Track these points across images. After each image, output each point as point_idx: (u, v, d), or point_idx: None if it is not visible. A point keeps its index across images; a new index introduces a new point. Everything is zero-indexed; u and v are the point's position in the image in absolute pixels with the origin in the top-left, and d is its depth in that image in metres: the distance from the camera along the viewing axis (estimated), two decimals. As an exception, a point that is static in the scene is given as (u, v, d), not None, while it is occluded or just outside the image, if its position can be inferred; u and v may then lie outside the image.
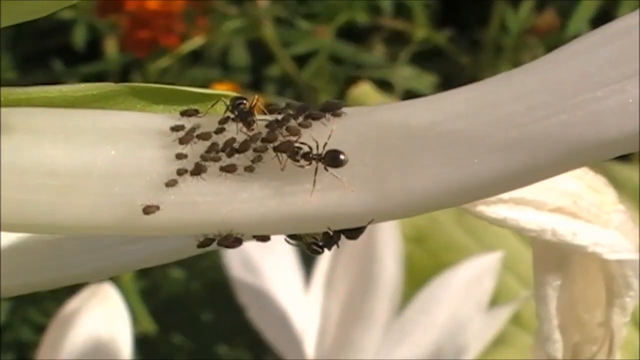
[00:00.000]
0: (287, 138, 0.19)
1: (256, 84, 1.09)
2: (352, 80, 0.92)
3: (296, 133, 0.19)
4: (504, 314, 0.49)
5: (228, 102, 0.20)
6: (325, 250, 0.20)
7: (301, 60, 1.01)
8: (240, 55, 1.04)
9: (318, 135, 0.19)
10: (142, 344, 0.96)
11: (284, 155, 0.19)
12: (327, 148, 0.19)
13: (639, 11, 0.18)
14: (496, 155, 0.18)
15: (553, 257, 0.27)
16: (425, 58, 1.03)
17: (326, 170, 0.19)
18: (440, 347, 0.47)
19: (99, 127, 0.19)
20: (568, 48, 0.19)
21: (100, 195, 0.19)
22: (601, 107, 0.18)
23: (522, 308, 0.52)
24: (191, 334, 0.99)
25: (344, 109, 0.19)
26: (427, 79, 1.03)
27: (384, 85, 0.96)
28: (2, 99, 0.20)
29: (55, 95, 0.20)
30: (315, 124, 0.19)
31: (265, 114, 0.20)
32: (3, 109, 0.19)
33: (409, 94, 0.91)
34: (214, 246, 0.19)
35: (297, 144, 0.19)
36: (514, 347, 0.55)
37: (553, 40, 0.98)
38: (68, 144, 0.19)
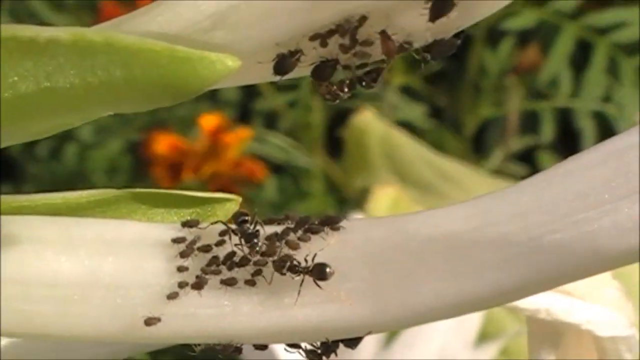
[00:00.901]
0: (287, 252, 0.19)
1: (244, 117, 1.09)
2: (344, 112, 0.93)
3: (295, 247, 0.19)
4: (492, 348, 0.49)
5: (228, 214, 0.20)
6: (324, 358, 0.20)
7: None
8: (229, 90, 1.05)
9: (317, 248, 0.19)
10: None
11: (282, 270, 0.19)
12: (319, 261, 0.19)
13: (631, 131, 0.19)
14: (493, 272, 0.19)
15: (547, 333, 0.27)
16: (404, 100, 1.03)
17: (315, 283, 0.19)
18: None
19: (103, 238, 0.19)
20: (562, 167, 0.19)
21: (103, 307, 0.19)
22: (595, 227, 0.18)
23: (511, 342, 0.52)
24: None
25: (343, 223, 0.19)
26: (418, 110, 1.03)
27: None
28: (4, 206, 0.20)
29: (58, 202, 0.20)
30: (314, 238, 0.19)
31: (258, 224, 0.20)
32: (6, 217, 0.20)
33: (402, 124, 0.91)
34: None
35: (295, 259, 0.19)
36: None
37: (534, 80, 0.99)
38: (72, 256, 0.19)
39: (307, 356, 0.20)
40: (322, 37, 0.18)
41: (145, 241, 0.19)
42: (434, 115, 1.03)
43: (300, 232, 0.19)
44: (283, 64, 0.18)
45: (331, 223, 0.19)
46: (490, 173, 0.90)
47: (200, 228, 0.20)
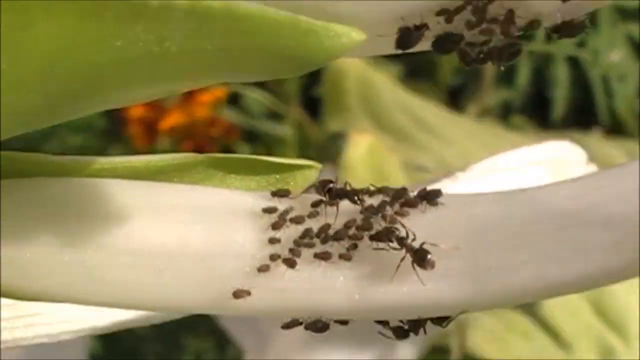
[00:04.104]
0: (384, 226, 0.18)
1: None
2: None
3: (392, 222, 0.18)
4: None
5: (308, 181, 0.20)
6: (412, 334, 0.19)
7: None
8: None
9: (414, 224, 0.19)
10: (106, 335, 0.95)
11: (379, 244, 0.18)
12: (421, 241, 0.18)
13: None
14: (601, 254, 0.18)
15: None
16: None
17: (413, 267, 0.18)
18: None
19: (189, 205, 0.19)
20: None
21: (190, 277, 0.18)
22: None
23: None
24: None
25: (442, 199, 0.19)
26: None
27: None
28: (85, 169, 0.19)
29: (139, 165, 0.19)
30: (412, 212, 0.19)
31: (355, 195, 0.19)
32: (87, 180, 0.19)
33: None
34: None
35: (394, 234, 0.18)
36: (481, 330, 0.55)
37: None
38: (159, 223, 0.18)
39: (394, 333, 0.19)
40: (449, 13, 0.17)
41: (235, 210, 0.19)
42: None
43: (397, 206, 0.19)
44: (407, 38, 0.18)
45: (429, 198, 0.19)
46: (470, 119, 0.89)
47: (291, 198, 0.19)
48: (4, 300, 0.23)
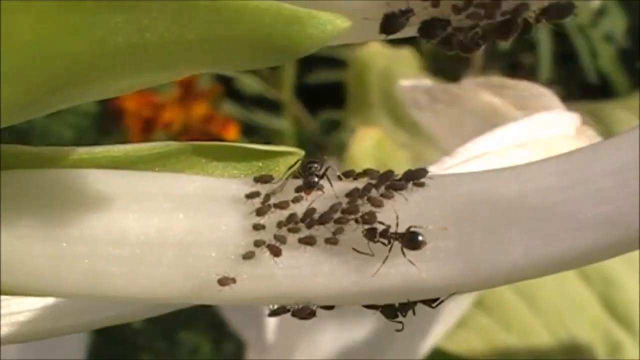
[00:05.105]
0: (369, 210, 0.18)
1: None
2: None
3: (378, 204, 0.18)
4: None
5: (298, 165, 0.19)
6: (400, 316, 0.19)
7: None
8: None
9: (399, 206, 0.18)
10: (101, 329, 0.95)
11: (366, 228, 0.18)
12: (408, 223, 0.18)
13: None
14: (587, 231, 0.18)
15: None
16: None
17: (402, 252, 0.18)
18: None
19: (170, 192, 0.18)
20: None
21: (174, 266, 0.18)
22: None
23: (485, 292, 0.52)
24: (150, 317, 0.98)
25: (427, 179, 0.18)
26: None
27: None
28: (63, 159, 0.19)
29: (118, 154, 0.19)
30: (397, 195, 0.18)
31: (339, 179, 0.19)
32: (66, 171, 0.18)
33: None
34: None
35: (379, 220, 0.18)
36: (474, 329, 0.55)
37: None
38: (140, 212, 0.18)
39: (383, 312, 0.19)
40: None
41: (217, 197, 0.18)
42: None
43: (382, 189, 0.18)
44: (391, 22, 0.17)
45: (414, 178, 0.18)
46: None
47: (274, 183, 0.19)
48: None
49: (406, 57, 0.72)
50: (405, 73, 0.69)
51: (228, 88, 1.01)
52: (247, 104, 1.02)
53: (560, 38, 0.99)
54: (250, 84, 1.00)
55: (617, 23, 1.01)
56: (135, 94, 0.94)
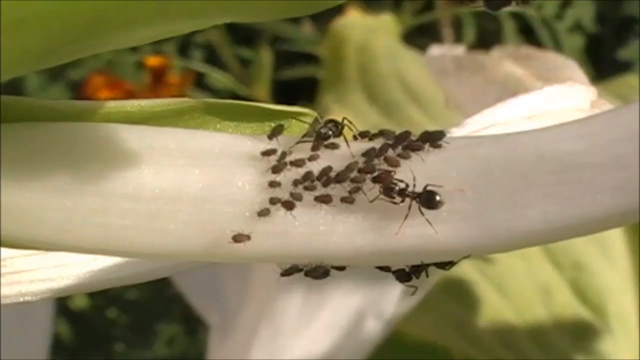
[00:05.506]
0: (386, 169, 0.18)
1: (182, 51, 1.07)
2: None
3: (395, 164, 0.18)
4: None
5: (314, 123, 0.19)
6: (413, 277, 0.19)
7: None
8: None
9: (416, 167, 0.18)
10: (77, 319, 0.94)
11: (382, 187, 0.18)
12: (425, 183, 0.18)
13: None
14: (606, 196, 0.18)
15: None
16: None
17: (420, 210, 0.18)
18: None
19: (186, 148, 0.18)
20: None
21: (188, 222, 0.18)
22: None
23: (448, 274, 0.51)
24: (125, 308, 0.98)
25: (444, 141, 0.18)
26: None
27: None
28: (78, 114, 0.18)
29: (133, 110, 0.19)
30: (414, 155, 0.18)
31: (355, 138, 0.19)
32: (81, 125, 0.18)
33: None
34: None
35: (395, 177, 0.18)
36: (438, 312, 0.54)
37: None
38: (155, 167, 0.18)
39: (395, 275, 0.19)
40: None
41: (233, 153, 0.18)
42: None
43: (399, 149, 0.18)
44: None
45: (432, 140, 0.18)
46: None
47: (291, 141, 0.18)
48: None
49: (386, 23, 0.70)
50: (384, 46, 0.68)
51: (197, 76, 1.01)
52: (215, 92, 1.02)
53: (527, 31, 0.99)
54: (221, 80, 1.00)
55: (585, 10, 1.02)
56: (106, 81, 0.94)
